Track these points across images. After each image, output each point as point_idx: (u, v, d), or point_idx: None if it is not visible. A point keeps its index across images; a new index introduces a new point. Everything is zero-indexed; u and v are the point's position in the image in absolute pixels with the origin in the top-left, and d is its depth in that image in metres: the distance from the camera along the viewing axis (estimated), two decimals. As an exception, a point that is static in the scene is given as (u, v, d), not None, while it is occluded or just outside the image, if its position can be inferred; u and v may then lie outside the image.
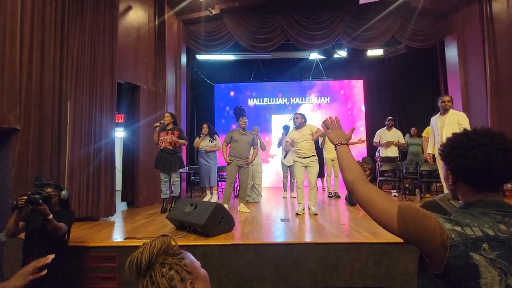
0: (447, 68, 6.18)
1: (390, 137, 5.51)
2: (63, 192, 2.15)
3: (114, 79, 3.79)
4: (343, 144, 1.05)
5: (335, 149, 1.07)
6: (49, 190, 2.04)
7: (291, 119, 3.95)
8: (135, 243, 2.47)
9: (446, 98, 3.69)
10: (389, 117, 5.71)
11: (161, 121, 4.16)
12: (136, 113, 4.80)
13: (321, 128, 1.26)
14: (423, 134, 5.27)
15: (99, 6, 3.78)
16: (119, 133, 6.88)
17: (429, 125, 5.13)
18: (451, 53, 6.01)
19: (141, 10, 4.92)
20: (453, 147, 0.80)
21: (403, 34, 5.95)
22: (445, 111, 3.67)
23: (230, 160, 4.08)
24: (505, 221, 0.72)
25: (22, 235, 2.07)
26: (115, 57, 3.81)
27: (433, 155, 3.85)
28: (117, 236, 2.75)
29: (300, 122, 3.81)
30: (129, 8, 4.66)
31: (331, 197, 5.42)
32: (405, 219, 0.76)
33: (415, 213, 0.76)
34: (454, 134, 0.84)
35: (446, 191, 3.76)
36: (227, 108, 8.19)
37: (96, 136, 3.60)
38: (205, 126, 5.23)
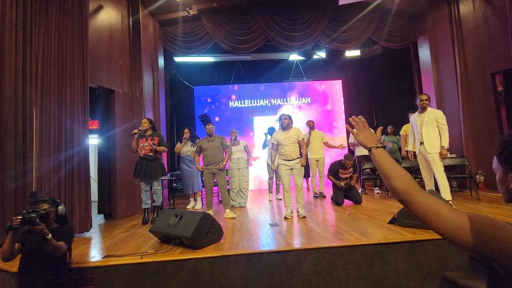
0: (420, 68, 6.44)
1: None
2: (60, 207, 1.97)
3: (86, 83, 3.52)
4: (378, 147, 0.92)
5: (369, 153, 0.94)
6: (45, 206, 1.86)
7: (277, 120, 3.88)
8: (116, 262, 2.26)
9: (424, 97, 3.80)
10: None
11: (139, 128, 3.93)
12: (112, 119, 4.51)
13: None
14: (400, 132, 5.43)
15: (66, 5, 3.50)
16: (94, 141, 6.48)
17: (405, 123, 5.32)
18: (424, 53, 6.27)
19: (113, 10, 4.65)
20: None
21: (379, 35, 6.12)
22: (423, 109, 3.78)
23: (202, 169, 4.14)
24: None
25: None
26: (86, 60, 3.54)
27: (414, 152, 3.95)
28: (95, 255, 2.52)
29: (288, 123, 3.74)
30: (99, 7, 4.37)
31: (316, 197, 5.43)
32: (482, 234, 0.68)
33: (493, 226, 0.69)
34: (510, 135, 0.77)
35: (427, 187, 3.87)
36: (206, 111, 8.00)
37: (67, 144, 3.31)
38: (186, 130, 5.05)
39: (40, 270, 1.80)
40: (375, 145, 0.93)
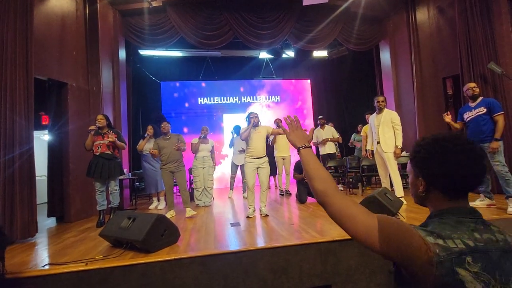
0: (382, 70, 6.77)
1: (324, 134, 5.81)
2: None
3: (30, 74, 3.20)
4: (306, 147, 0.94)
5: (298, 153, 0.94)
6: None
7: (247, 118, 3.84)
8: (58, 270, 2.09)
9: (381, 98, 4.00)
10: (320, 116, 6.04)
11: (96, 124, 3.69)
12: (64, 114, 4.18)
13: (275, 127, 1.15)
14: (361, 133, 5.68)
15: (7, -15, 3.14)
16: (46, 137, 5.98)
17: (367, 123, 5.57)
18: (385, 56, 6.60)
19: (66, -4, 4.28)
20: (429, 153, 0.76)
21: (345, 38, 6.32)
22: (380, 110, 3.97)
23: (160, 168, 4.08)
24: (477, 228, 0.70)
25: None
26: (31, 48, 3.22)
27: (372, 151, 4.14)
28: (35, 263, 2.31)
29: (257, 121, 3.74)
30: (49, -8, 4.00)
31: (282, 195, 5.51)
32: (387, 235, 0.69)
33: (397, 228, 0.69)
34: (423, 140, 0.80)
35: (383, 184, 4.09)
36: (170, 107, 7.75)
37: (7, 141, 2.99)
38: (150, 127, 4.85)
39: None
40: (303, 145, 0.95)
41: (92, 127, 3.66)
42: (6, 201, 2.93)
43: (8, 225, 2.91)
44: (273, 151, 5.49)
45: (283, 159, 5.42)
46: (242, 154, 5.37)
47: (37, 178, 3.36)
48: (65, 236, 3.17)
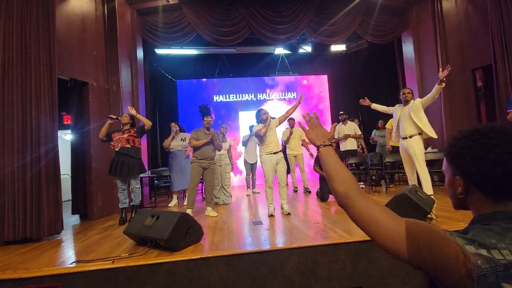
0: (404, 63, 6.48)
1: (346, 130, 5.64)
2: None
3: (54, 74, 3.25)
4: (327, 145, 0.87)
5: (318, 151, 0.88)
6: None
7: (256, 115, 3.75)
8: (85, 268, 2.09)
9: (407, 90, 3.82)
10: (341, 112, 5.85)
11: (118, 117, 3.74)
12: (86, 113, 4.24)
13: (299, 126, 1.07)
14: (386, 126, 5.46)
15: (30, -13, 3.20)
16: (69, 136, 6.13)
17: (390, 118, 5.35)
18: (408, 48, 6.30)
19: (85, -4, 4.33)
20: (467, 148, 0.64)
21: (365, 30, 6.09)
22: (406, 102, 3.78)
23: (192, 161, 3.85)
24: None
25: None
26: (54, 48, 3.26)
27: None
28: (62, 260, 2.33)
29: (267, 117, 3.66)
30: (70, -8, 4.06)
31: (296, 191, 5.56)
32: (417, 242, 0.59)
33: (429, 234, 0.59)
34: (461, 132, 0.68)
35: (410, 182, 3.89)
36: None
37: (33, 141, 3.05)
38: (173, 124, 4.87)
39: None
40: (323, 143, 0.88)
41: (112, 116, 3.69)
42: (33, 198, 2.99)
43: (36, 224, 2.97)
44: (285, 149, 5.48)
45: (295, 156, 5.45)
46: (255, 153, 5.38)
47: (61, 176, 3.42)
48: (90, 234, 3.21)
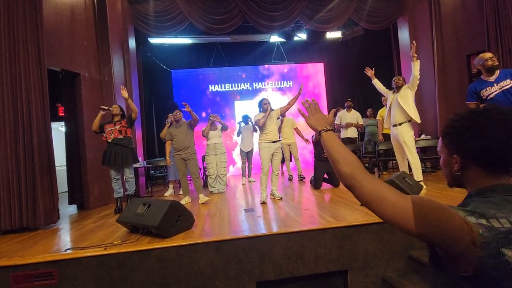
0: (400, 49, 6.41)
1: (349, 118, 5.65)
2: None
3: (43, 65, 3.23)
4: (328, 130, 0.89)
5: (319, 136, 0.90)
6: None
7: (259, 104, 3.84)
8: (79, 255, 2.16)
9: (398, 78, 3.87)
10: (348, 99, 5.84)
11: (109, 107, 3.76)
12: (79, 104, 4.24)
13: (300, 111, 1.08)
14: (377, 118, 5.47)
15: (14, -25, 3.13)
16: (63, 128, 6.14)
17: (383, 107, 5.35)
18: (403, 35, 6.23)
19: (73, -16, 4.25)
20: (465, 127, 0.69)
21: (359, 16, 6.00)
22: (398, 88, 3.80)
23: (170, 163, 4.28)
24: None
25: None
26: (42, 38, 3.23)
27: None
28: (57, 248, 2.40)
29: (268, 108, 3.73)
30: (57, -20, 3.98)
31: (291, 179, 5.62)
32: (424, 217, 0.63)
33: (435, 208, 0.63)
34: (457, 114, 0.73)
35: (401, 168, 3.94)
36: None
37: (25, 132, 3.07)
38: (170, 114, 4.88)
39: None
40: (325, 128, 0.90)
41: (104, 107, 3.71)
42: (28, 190, 3.04)
43: (32, 213, 3.03)
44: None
45: (288, 145, 5.48)
46: (250, 141, 5.41)
47: (57, 168, 3.47)
48: (85, 223, 3.28)
